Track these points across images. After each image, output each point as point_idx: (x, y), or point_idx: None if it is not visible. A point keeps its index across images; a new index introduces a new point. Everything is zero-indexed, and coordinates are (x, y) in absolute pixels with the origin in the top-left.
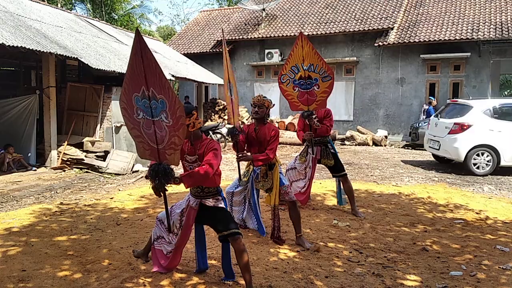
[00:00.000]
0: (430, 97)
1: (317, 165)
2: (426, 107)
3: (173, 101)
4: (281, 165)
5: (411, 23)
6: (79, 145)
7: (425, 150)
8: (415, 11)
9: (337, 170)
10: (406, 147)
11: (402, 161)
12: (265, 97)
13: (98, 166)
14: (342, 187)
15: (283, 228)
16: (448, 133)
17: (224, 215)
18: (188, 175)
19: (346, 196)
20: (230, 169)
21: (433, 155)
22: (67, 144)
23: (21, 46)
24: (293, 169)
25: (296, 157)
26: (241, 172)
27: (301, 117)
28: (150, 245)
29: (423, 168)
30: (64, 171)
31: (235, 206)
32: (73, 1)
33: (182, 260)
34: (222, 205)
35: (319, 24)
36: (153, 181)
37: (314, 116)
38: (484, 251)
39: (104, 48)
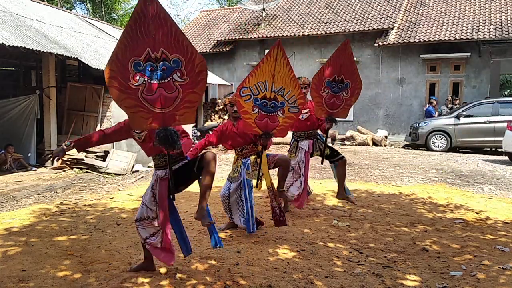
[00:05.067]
0: (434, 97)
1: (319, 165)
2: (436, 107)
3: (193, 57)
4: (270, 151)
5: (411, 23)
6: None
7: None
8: (415, 11)
9: (334, 155)
10: (406, 147)
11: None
12: None
13: (98, 166)
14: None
15: (283, 228)
16: None
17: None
18: (184, 143)
19: (347, 187)
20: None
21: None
22: None
23: (21, 46)
24: (290, 170)
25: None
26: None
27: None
28: (149, 256)
29: (423, 168)
30: (64, 171)
31: (233, 207)
32: (73, 1)
33: (182, 260)
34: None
35: (319, 24)
36: (162, 146)
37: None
38: (484, 251)
39: (104, 48)
